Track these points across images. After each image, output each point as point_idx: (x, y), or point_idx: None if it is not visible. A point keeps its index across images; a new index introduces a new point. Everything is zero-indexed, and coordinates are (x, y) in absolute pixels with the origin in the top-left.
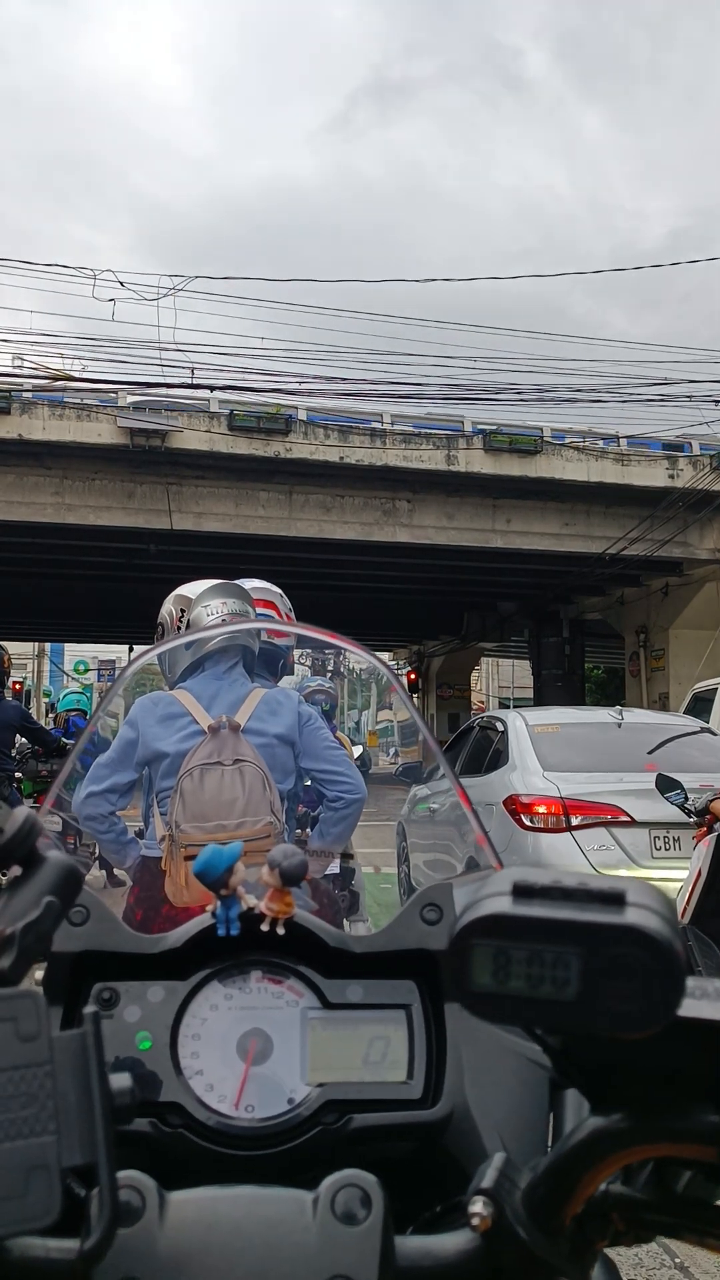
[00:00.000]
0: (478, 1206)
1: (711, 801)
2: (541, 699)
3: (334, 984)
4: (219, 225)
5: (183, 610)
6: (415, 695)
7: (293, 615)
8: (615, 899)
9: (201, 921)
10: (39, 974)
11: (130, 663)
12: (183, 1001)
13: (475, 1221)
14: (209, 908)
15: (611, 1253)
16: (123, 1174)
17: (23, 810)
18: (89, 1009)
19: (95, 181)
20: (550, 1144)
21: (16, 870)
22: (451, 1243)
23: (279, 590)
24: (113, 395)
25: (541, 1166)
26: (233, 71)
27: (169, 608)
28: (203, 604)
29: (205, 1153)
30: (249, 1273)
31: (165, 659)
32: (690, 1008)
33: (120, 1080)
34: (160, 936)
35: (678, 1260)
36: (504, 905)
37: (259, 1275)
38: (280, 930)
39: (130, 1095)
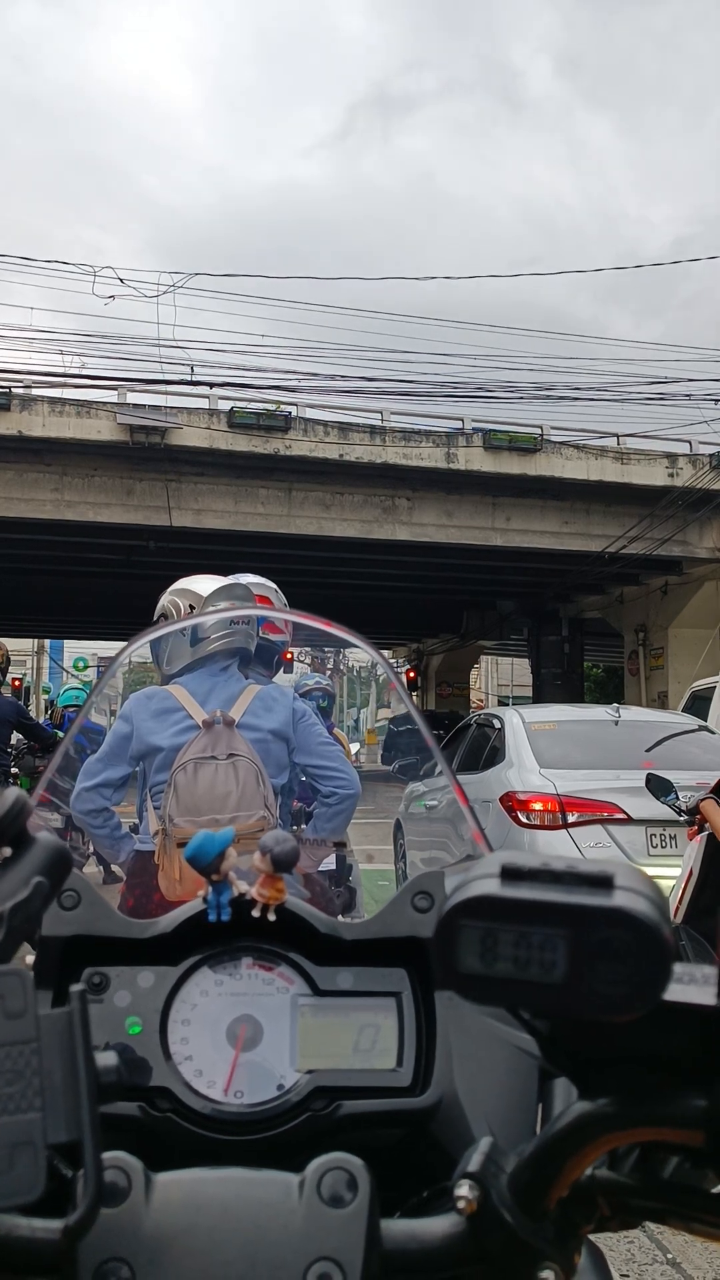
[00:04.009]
0: (463, 1190)
1: (702, 801)
2: (541, 697)
3: (324, 971)
4: (228, 231)
5: (191, 606)
6: (414, 693)
7: None
8: (603, 882)
9: (193, 907)
10: (29, 959)
11: (125, 648)
12: (173, 987)
13: (461, 1205)
14: (200, 893)
15: (604, 1249)
16: (109, 1154)
17: (13, 791)
18: (76, 987)
19: (107, 186)
20: (539, 1131)
21: (6, 851)
22: (437, 1226)
23: (274, 586)
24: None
25: (528, 1151)
26: (243, 80)
27: (174, 600)
28: (213, 605)
29: (194, 1137)
30: (235, 1254)
31: (163, 650)
32: (677, 992)
33: (106, 1059)
34: (151, 922)
35: (670, 1256)
36: (492, 887)
37: (245, 1256)
38: (271, 917)
39: (116, 1074)
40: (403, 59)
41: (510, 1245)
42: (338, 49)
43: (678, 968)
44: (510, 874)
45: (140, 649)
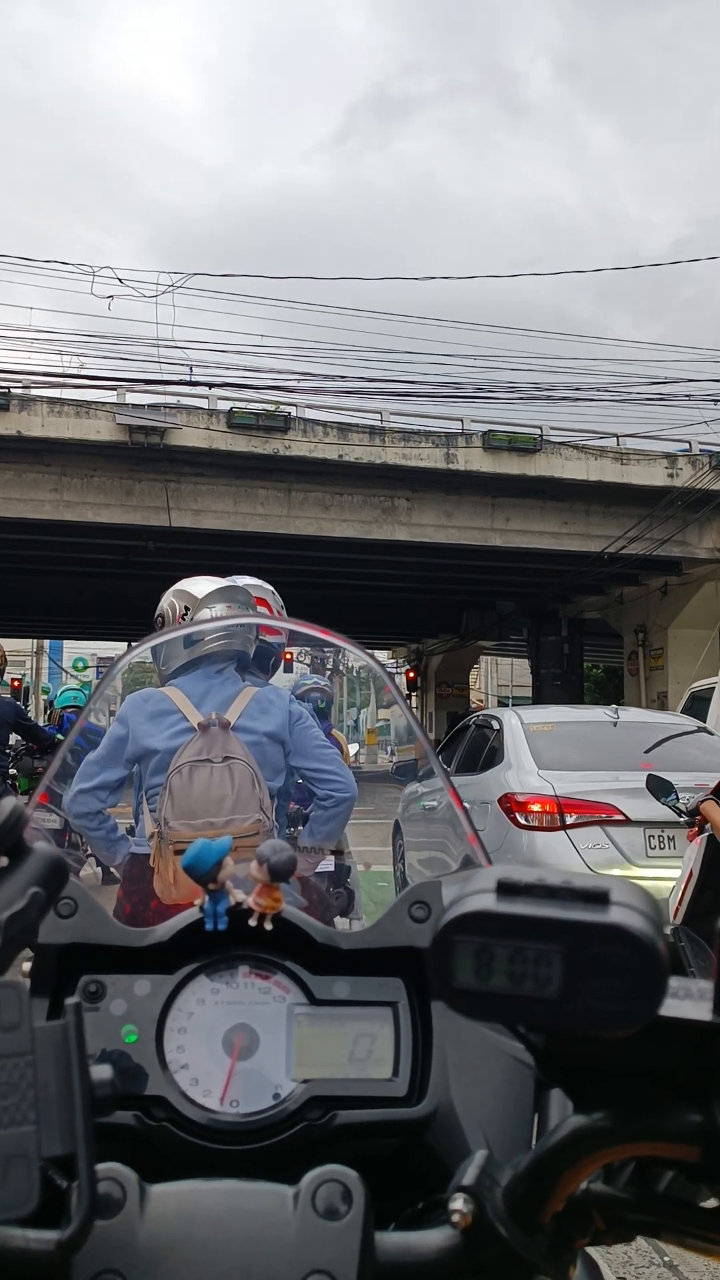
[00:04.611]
0: (458, 1203)
1: (702, 802)
2: (540, 698)
3: (321, 980)
4: (229, 232)
5: (186, 608)
6: (414, 694)
7: (283, 613)
8: (599, 897)
9: (189, 916)
10: (26, 966)
11: (124, 653)
12: (169, 995)
13: (455, 1218)
14: (197, 902)
15: (600, 1251)
16: (103, 1166)
17: (10, 800)
18: (71, 1000)
19: (109, 188)
20: (535, 1142)
21: (3, 861)
22: (432, 1239)
23: (270, 587)
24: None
25: (523, 1164)
26: (244, 82)
27: (171, 601)
28: (207, 606)
29: (189, 1147)
30: (229, 1266)
31: (161, 653)
32: (672, 1007)
33: (101, 1072)
34: (148, 930)
35: (666, 1259)
36: (488, 902)
37: (239, 1269)
38: (268, 926)
39: (111, 1086)
40: (402, 62)
41: (504, 1259)
42: (338, 52)
43: (673, 982)
44: (506, 889)
45: (136, 656)
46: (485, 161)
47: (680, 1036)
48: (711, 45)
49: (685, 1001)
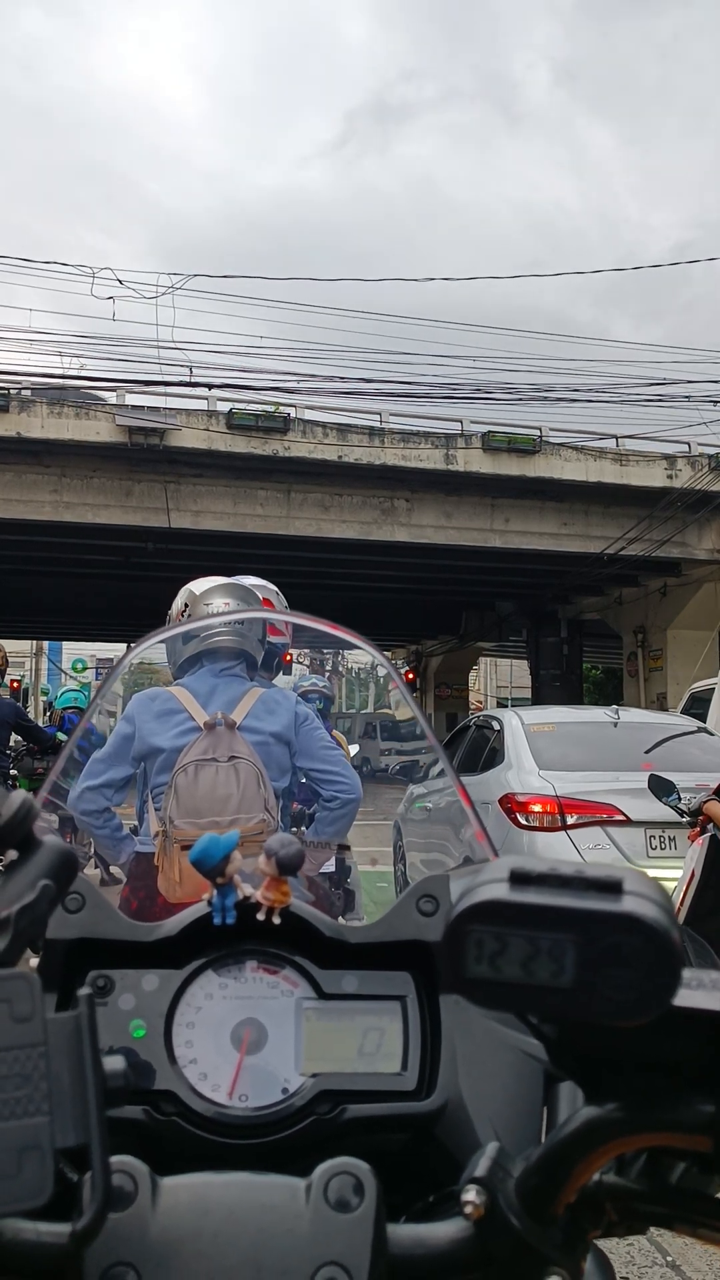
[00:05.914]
0: (470, 1195)
1: (705, 803)
2: (539, 699)
3: (329, 974)
4: (230, 235)
5: (186, 604)
6: (414, 695)
7: None
8: (612, 887)
9: (197, 910)
10: (34, 961)
11: (125, 654)
12: (177, 990)
13: (468, 1210)
14: (205, 896)
15: (604, 1252)
16: (115, 1158)
17: (19, 794)
18: (83, 991)
19: (112, 192)
20: (545, 1136)
21: (12, 854)
22: (444, 1231)
23: (274, 588)
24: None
25: (535, 1156)
26: (245, 86)
27: (176, 602)
28: (205, 602)
29: (198, 1141)
30: (241, 1259)
31: (169, 652)
32: (686, 997)
33: (114, 1063)
34: (156, 925)
35: (670, 1258)
36: (501, 891)
37: (251, 1261)
38: (276, 920)
39: (124, 1078)
40: (401, 68)
41: (517, 1251)
42: (338, 57)
43: (686, 973)
44: (519, 878)
45: (138, 654)
46: (485, 166)
47: (693, 1026)
48: (710, 50)
49: (698, 992)
